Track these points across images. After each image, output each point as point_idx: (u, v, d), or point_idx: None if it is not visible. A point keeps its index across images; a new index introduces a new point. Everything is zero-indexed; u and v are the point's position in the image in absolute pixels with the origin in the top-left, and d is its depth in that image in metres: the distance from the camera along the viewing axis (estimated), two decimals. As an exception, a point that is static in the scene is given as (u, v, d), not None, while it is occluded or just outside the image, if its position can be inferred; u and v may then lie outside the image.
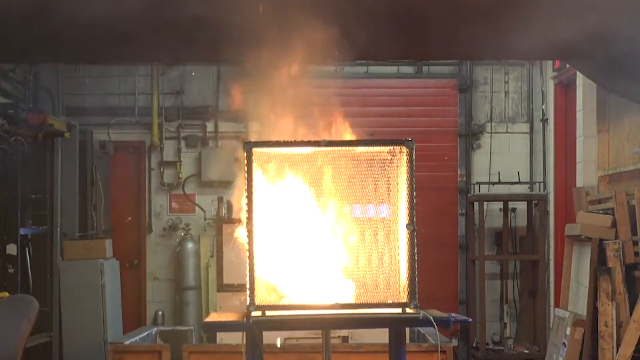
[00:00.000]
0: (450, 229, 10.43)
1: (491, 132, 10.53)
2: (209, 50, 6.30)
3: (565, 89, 9.32)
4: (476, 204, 9.87)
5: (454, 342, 9.76)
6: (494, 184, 10.11)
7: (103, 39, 5.87)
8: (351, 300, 3.92)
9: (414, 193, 3.89)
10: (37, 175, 8.87)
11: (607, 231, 7.06)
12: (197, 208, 10.38)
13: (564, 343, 7.37)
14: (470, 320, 6.29)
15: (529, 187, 10.13)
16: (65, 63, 9.76)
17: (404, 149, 3.92)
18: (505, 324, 9.98)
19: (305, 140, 4.02)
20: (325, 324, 4.07)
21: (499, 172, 10.19)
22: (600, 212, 7.31)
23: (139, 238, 10.51)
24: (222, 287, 9.16)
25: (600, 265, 6.98)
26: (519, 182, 10.05)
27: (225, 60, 7.84)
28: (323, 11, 4.75)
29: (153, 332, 8.20)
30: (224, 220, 9.42)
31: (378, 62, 9.95)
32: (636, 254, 6.83)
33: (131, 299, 10.26)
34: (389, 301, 3.92)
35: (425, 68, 10.53)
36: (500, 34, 5.55)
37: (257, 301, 3.84)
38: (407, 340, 7.31)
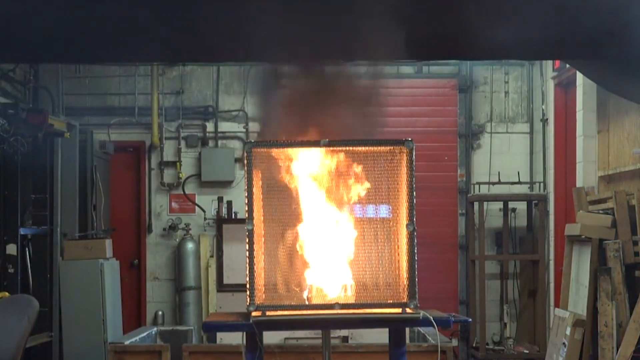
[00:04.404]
0: (450, 229, 10.43)
1: (491, 132, 10.53)
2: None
3: (565, 89, 9.32)
4: (476, 204, 9.87)
5: (454, 342, 9.76)
6: (494, 184, 10.11)
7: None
8: (351, 300, 3.92)
9: (414, 193, 3.89)
10: (37, 175, 8.86)
11: (607, 231, 7.06)
12: (197, 208, 10.37)
13: (564, 343, 7.37)
14: (470, 320, 6.27)
15: (529, 187, 10.13)
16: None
17: (404, 149, 3.92)
18: (505, 324, 9.98)
19: (306, 140, 4.03)
20: (325, 324, 4.07)
21: (499, 172, 10.19)
22: (600, 212, 7.30)
23: (139, 238, 10.51)
24: (222, 287, 9.14)
25: (600, 265, 6.98)
26: (519, 182, 10.05)
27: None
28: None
29: (153, 332, 8.18)
30: (224, 220, 9.41)
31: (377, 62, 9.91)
32: (636, 254, 6.82)
33: (131, 299, 10.27)
34: (389, 301, 3.92)
35: (425, 68, 10.52)
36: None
37: (257, 301, 3.84)
38: (407, 340, 7.30)
